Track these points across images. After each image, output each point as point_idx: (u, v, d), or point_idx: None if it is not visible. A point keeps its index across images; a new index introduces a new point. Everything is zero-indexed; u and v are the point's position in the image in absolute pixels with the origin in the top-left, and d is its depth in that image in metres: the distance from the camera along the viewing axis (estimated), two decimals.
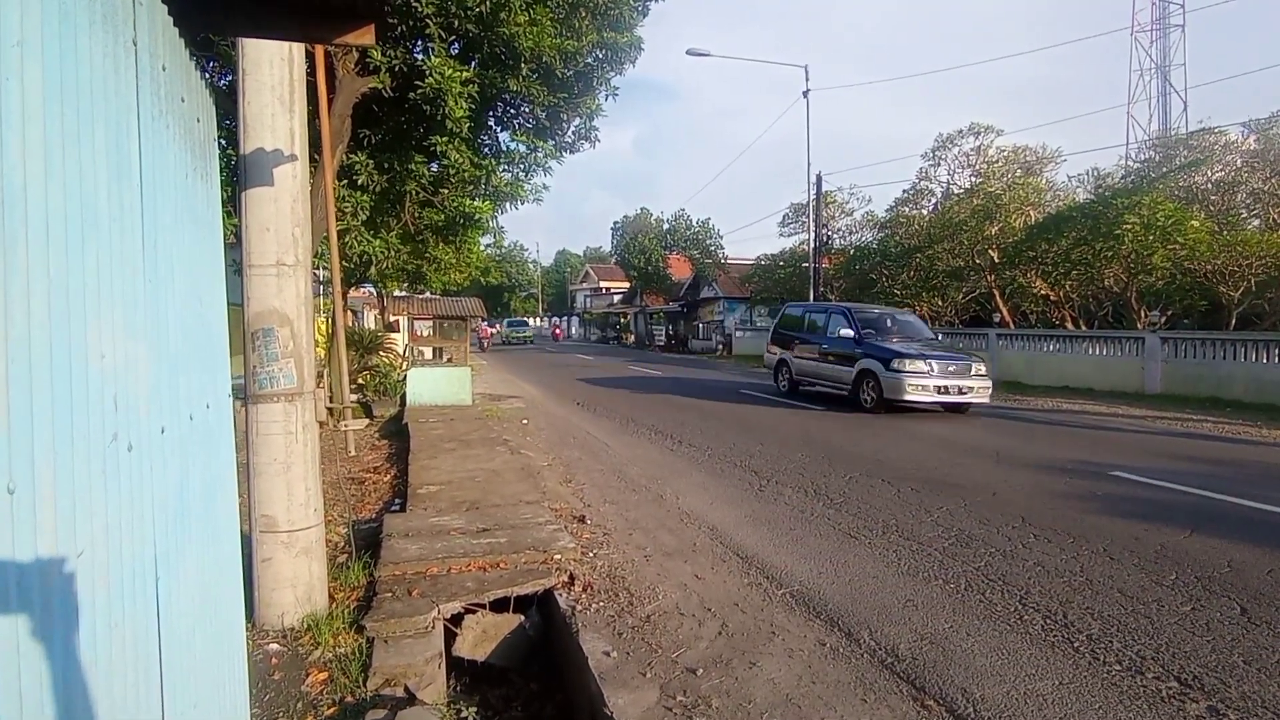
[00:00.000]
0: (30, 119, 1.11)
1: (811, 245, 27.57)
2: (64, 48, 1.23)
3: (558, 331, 63.79)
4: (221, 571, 2.33)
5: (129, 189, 1.59)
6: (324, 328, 12.46)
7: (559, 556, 4.49)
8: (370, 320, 28.70)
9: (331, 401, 5.97)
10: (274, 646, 3.55)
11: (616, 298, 58.23)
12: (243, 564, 2.70)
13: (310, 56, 5.60)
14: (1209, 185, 19.74)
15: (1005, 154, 25.22)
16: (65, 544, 1.23)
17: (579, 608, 3.91)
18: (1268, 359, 13.56)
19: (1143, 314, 18.96)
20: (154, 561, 1.67)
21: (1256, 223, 19.13)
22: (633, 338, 49.73)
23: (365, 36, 2.58)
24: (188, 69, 2.14)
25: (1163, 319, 18.99)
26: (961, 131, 25.92)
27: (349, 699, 3.12)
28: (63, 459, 1.22)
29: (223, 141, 7.91)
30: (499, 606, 4.00)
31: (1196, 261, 16.62)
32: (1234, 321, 17.58)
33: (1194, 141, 21.31)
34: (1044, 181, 24.98)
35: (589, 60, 9.20)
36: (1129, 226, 16.61)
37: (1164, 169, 20.54)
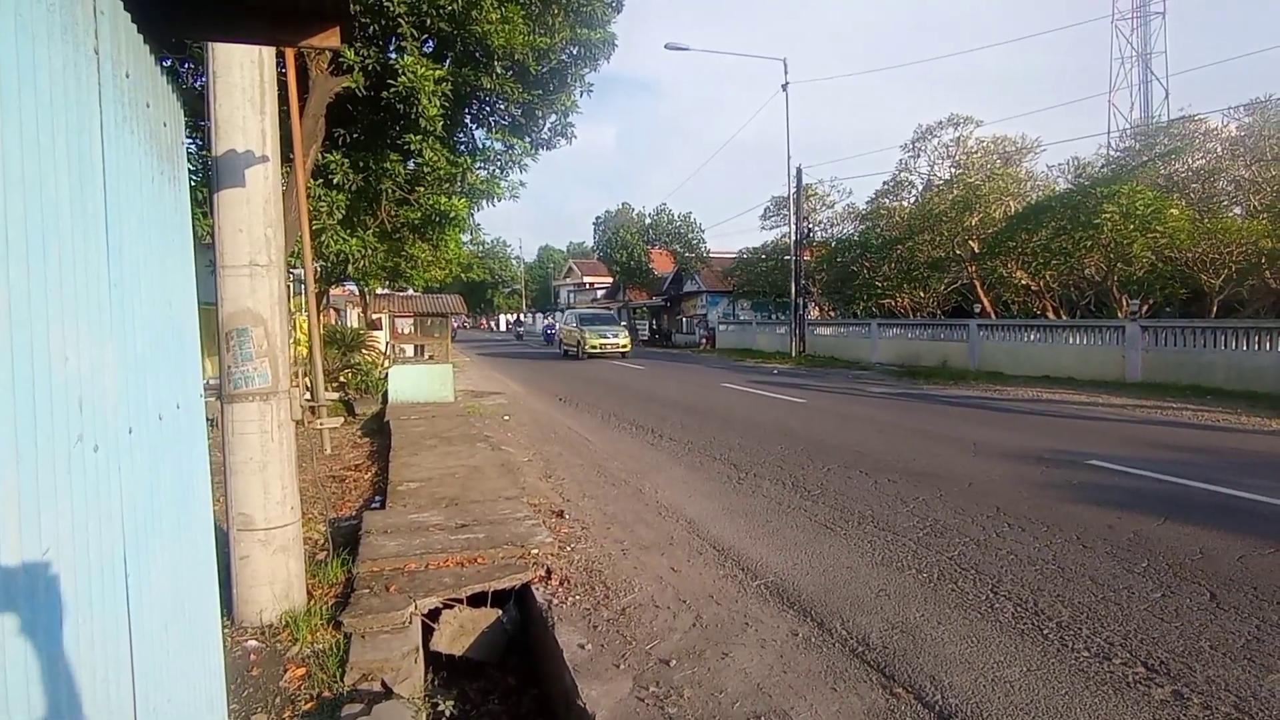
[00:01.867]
0: None
1: (793, 238, 27.71)
2: (21, 60, 1.26)
3: None
4: (195, 569, 2.36)
5: (92, 195, 1.61)
6: (305, 326, 12.41)
7: (536, 551, 4.54)
8: (353, 318, 28.56)
9: (310, 399, 5.97)
10: (252, 643, 3.58)
11: (600, 293, 58.19)
12: (221, 562, 2.73)
13: (281, 56, 5.59)
14: (1189, 173, 19.83)
15: (985, 145, 25.43)
16: (30, 542, 1.26)
17: (555, 602, 3.96)
18: (1248, 346, 13.63)
19: (1124, 303, 19.17)
20: (123, 559, 1.70)
21: (1238, 210, 19.28)
22: None
23: (331, 39, 2.61)
24: (153, 74, 2.16)
25: (1143, 308, 19.19)
26: (941, 123, 26.12)
27: (326, 694, 3.16)
28: (26, 459, 1.25)
29: (199, 142, 7.89)
30: (477, 601, 4.04)
31: (1177, 250, 16.71)
32: (1215, 309, 17.71)
33: (1175, 129, 21.41)
34: (1023, 171, 25.22)
35: (563, 57, 9.23)
36: (1108, 215, 16.72)
37: (1144, 157, 20.65)
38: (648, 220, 44.14)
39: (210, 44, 3.62)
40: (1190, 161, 20.08)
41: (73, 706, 1.40)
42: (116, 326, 1.75)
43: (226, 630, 3.56)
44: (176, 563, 2.15)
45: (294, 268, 10.35)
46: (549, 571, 4.31)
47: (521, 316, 72.72)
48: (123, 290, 1.79)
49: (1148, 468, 7.12)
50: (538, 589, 4.10)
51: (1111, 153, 25.35)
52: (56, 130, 1.41)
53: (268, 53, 3.82)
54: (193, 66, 8.07)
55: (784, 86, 26.55)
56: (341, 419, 10.80)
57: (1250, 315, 17.49)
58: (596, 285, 61.05)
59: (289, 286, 4.22)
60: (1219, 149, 19.92)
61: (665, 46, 25.22)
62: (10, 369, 1.21)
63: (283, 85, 4.56)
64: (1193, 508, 5.74)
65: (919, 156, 27.31)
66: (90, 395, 1.56)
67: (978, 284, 23.40)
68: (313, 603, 3.95)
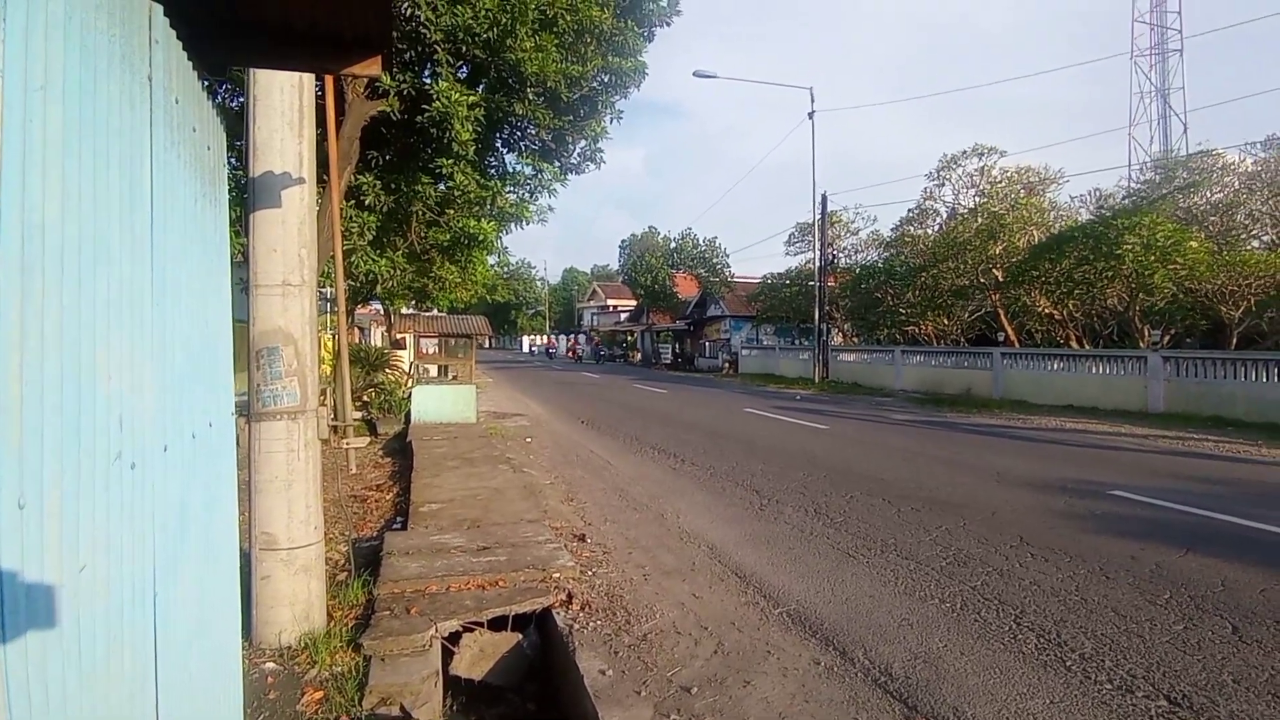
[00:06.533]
0: (50, 158, 1.18)
1: (817, 264, 27.70)
2: (84, 89, 1.31)
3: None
4: (219, 588, 2.38)
5: (140, 218, 1.66)
6: (330, 345, 12.57)
7: (558, 575, 4.52)
8: (377, 337, 28.86)
9: (335, 419, 6.03)
10: (270, 665, 3.58)
11: (623, 316, 58.40)
12: (241, 581, 2.74)
13: (320, 80, 5.73)
14: (1208, 206, 19.88)
15: (1009, 174, 25.35)
16: (69, 558, 1.28)
17: (576, 626, 3.93)
18: (1268, 378, 13.56)
19: (1145, 333, 18.98)
20: (152, 577, 1.71)
21: (1256, 243, 19.15)
22: (639, 356, 49.81)
23: (373, 67, 2.67)
24: (200, 100, 2.23)
25: (1165, 338, 18.97)
26: (965, 152, 26.07)
27: (344, 718, 3.14)
28: (69, 476, 1.27)
29: (233, 160, 8.09)
30: (497, 625, 4.02)
31: (1197, 281, 16.66)
32: (1235, 341, 17.55)
33: (1193, 163, 21.40)
34: (1047, 201, 25.12)
35: (594, 85, 9.36)
36: (1129, 246, 16.73)
37: (1164, 190, 20.65)
38: (673, 244, 44.25)
39: (251, 68, 3.72)
40: (1209, 195, 20.15)
41: None
42: (156, 345, 1.78)
43: (244, 652, 3.56)
44: (201, 582, 2.17)
45: (322, 287, 10.52)
46: (570, 595, 4.28)
47: (551, 338, 73.27)
48: (163, 310, 1.83)
49: (1170, 499, 7.04)
50: (559, 613, 4.07)
51: (1132, 185, 25.26)
52: (111, 156, 1.45)
53: (307, 78, 3.93)
54: (230, 87, 8.30)
55: (810, 115, 26.72)
56: (367, 439, 10.89)
57: (1270, 347, 17.30)
58: (620, 308, 61.39)
59: (317, 305, 4.28)
60: (1236, 183, 20.00)
61: (693, 74, 25.49)
62: (59, 389, 1.24)
63: (320, 108, 4.67)
64: (1215, 540, 5.67)
65: (943, 185, 27.28)
66: (130, 413, 1.59)
67: (1001, 312, 23.18)
68: (333, 624, 3.95)
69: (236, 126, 4.72)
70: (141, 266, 1.67)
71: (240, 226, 4.79)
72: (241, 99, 3.88)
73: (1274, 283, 15.83)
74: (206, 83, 2.38)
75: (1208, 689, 3.28)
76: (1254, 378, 13.80)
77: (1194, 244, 16.57)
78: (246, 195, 3.84)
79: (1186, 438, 11.73)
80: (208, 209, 2.32)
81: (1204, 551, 5.33)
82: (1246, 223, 19.56)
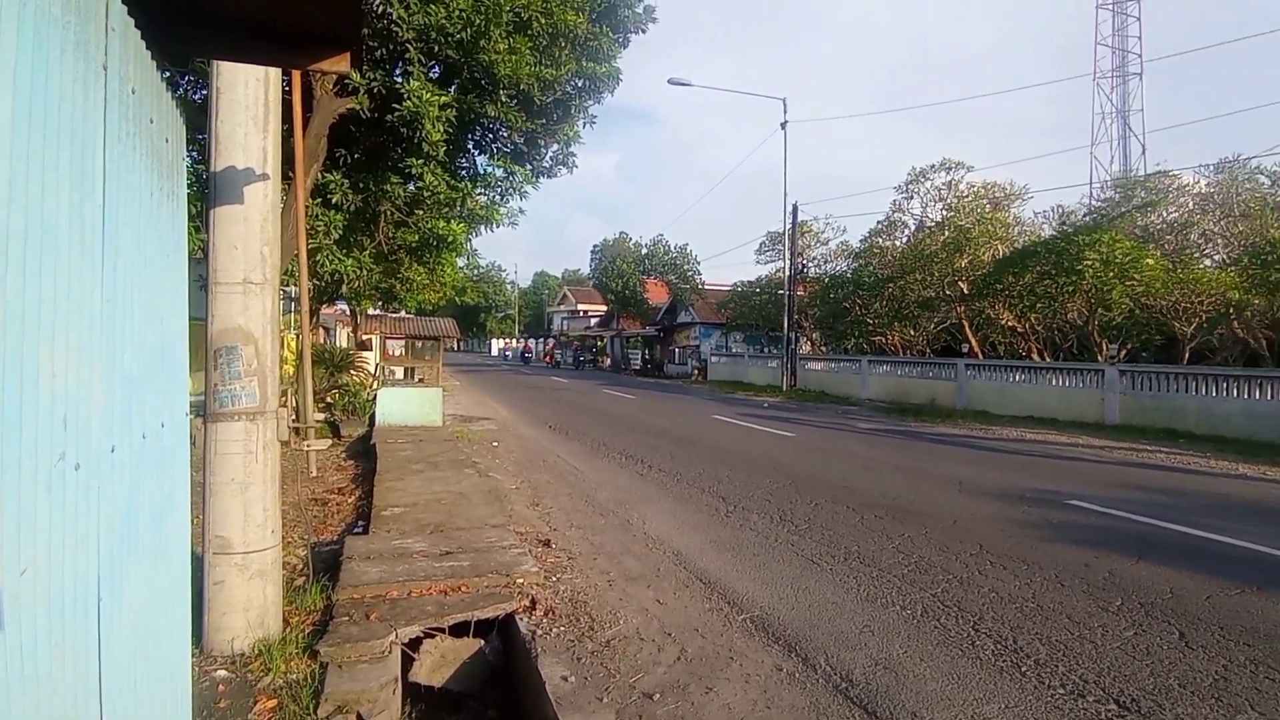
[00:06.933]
0: None
1: (787, 273, 27.97)
2: (35, 75, 1.26)
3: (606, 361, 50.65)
4: (169, 594, 2.31)
5: (91, 210, 1.61)
6: (293, 345, 12.33)
7: (522, 580, 4.48)
8: (342, 338, 28.41)
9: (297, 420, 5.91)
10: (221, 673, 3.48)
11: (594, 321, 58.26)
12: (194, 586, 2.66)
13: (287, 75, 5.63)
14: (1164, 225, 20.59)
15: (975, 189, 25.87)
16: (10, 561, 1.23)
17: (539, 632, 3.90)
18: (1217, 392, 14.10)
19: (1104, 347, 19.52)
20: (97, 582, 1.65)
21: (1208, 262, 19.85)
22: (609, 361, 49.73)
23: (341, 64, 2.63)
24: (159, 90, 2.17)
25: (1121, 352, 19.55)
26: (934, 166, 26.56)
27: None
28: (8, 477, 1.22)
29: (194, 154, 7.91)
30: (459, 631, 3.96)
31: (1152, 297, 17.22)
32: (1187, 356, 18.15)
33: (1151, 183, 22.11)
34: (1011, 217, 25.68)
35: (568, 89, 9.35)
36: (1089, 262, 17.21)
37: (1123, 209, 21.31)
38: (644, 250, 44.27)
39: (215, 60, 3.64)
40: (1165, 214, 20.88)
41: None
42: (106, 343, 1.72)
43: (195, 659, 3.45)
44: (150, 587, 2.10)
45: (285, 285, 10.33)
46: (534, 601, 4.25)
47: (527, 342, 72.48)
48: (114, 306, 1.78)
49: (1124, 508, 7.24)
50: (522, 619, 4.04)
51: (1093, 203, 26.01)
52: (61, 145, 1.40)
53: (274, 71, 3.85)
54: (193, 79, 8.12)
55: (783, 125, 26.97)
56: (329, 441, 10.70)
57: (1220, 363, 17.93)
58: (590, 313, 61.23)
59: (280, 305, 4.18)
60: (1190, 203, 20.80)
61: (668, 81, 25.54)
62: None
63: (286, 104, 4.59)
64: (1164, 548, 5.85)
65: (912, 198, 27.73)
66: (75, 413, 1.53)
67: (966, 324, 23.64)
68: (289, 630, 3.85)
69: (199, 119, 4.60)
70: (91, 260, 1.61)
71: (200, 222, 4.68)
72: (205, 91, 3.79)
73: (1224, 300, 16.41)
74: (167, 74, 2.32)
75: (1155, 693, 3.37)
76: (1204, 392, 14.31)
77: (1150, 261, 17.12)
78: (208, 190, 3.75)
79: (1140, 449, 12.09)
80: (165, 203, 2.26)
81: (1154, 560, 5.49)
82: (1200, 242, 20.34)
